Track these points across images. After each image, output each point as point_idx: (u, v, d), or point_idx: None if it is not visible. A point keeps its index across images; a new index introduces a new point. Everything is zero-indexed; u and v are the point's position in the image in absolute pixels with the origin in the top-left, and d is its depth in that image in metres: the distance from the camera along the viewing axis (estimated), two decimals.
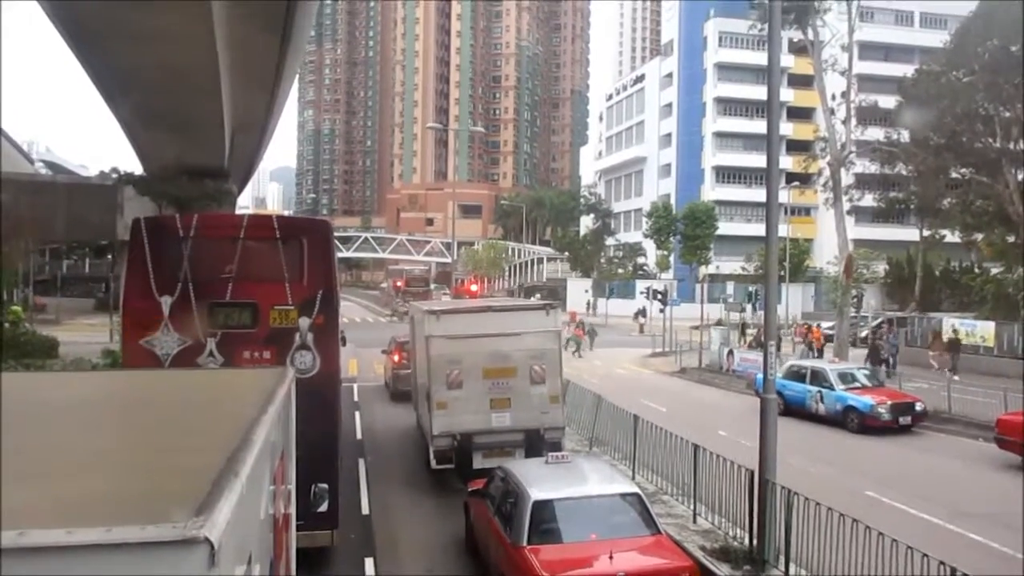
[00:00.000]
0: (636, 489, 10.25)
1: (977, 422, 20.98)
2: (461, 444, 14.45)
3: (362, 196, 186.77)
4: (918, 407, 21.76)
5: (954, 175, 39.22)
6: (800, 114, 71.06)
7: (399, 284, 71.72)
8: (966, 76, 35.54)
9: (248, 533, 3.24)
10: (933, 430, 21.79)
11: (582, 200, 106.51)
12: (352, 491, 14.42)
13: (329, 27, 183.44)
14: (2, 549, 2.09)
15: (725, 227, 73.85)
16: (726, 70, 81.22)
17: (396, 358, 25.38)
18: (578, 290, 77.91)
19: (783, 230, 46.32)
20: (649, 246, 77.34)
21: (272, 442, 4.21)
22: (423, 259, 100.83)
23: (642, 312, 59.50)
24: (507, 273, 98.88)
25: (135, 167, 50.56)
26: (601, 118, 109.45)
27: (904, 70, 45.81)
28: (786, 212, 51.63)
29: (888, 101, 42.34)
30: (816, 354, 34.45)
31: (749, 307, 44.71)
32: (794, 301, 57.18)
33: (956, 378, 27.27)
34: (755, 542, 11.06)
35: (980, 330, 33.96)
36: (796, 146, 64.06)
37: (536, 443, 14.34)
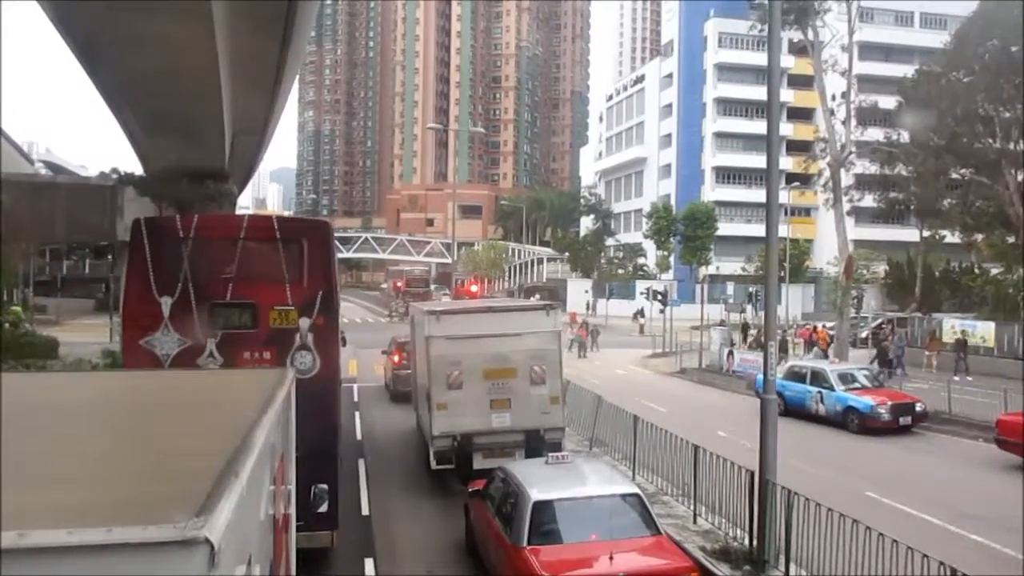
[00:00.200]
0: (636, 490, 10.24)
1: (977, 423, 20.98)
2: (461, 445, 14.44)
3: (362, 197, 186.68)
4: (918, 408, 21.76)
5: (954, 176, 39.23)
6: (800, 115, 71.11)
7: (399, 285, 71.69)
8: (966, 77, 35.57)
9: (248, 534, 3.25)
10: (933, 431, 21.79)
11: (582, 201, 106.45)
12: (352, 492, 14.42)
13: (329, 28, 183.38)
14: (3, 550, 2.09)
15: (725, 228, 73.93)
16: (726, 71, 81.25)
17: (396, 359, 25.37)
18: (578, 291, 77.90)
19: (783, 231, 46.33)
20: (649, 247, 77.38)
21: (272, 443, 4.21)
22: (423, 260, 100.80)
23: (641, 312, 59.52)
24: (507, 274, 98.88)
25: (135, 168, 50.65)
26: (601, 119, 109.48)
27: (904, 71, 45.81)
28: (786, 213, 51.60)
29: (888, 102, 42.34)
30: (825, 355, 34.31)
31: (749, 308, 44.72)
32: (794, 302, 57.18)
33: (969, 378, 27.37)
34: (755, 543, 11.06)
35: (980, 331, 33.98)
36: (796, 147, 64.13)
37: (536, 444, 14.34)
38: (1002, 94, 33.81)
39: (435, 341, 14.62)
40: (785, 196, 49.02)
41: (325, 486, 10.21)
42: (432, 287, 73.28)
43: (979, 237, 41.57)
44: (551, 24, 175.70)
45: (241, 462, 2.98)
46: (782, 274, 44.23)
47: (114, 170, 53.98)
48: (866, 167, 43.83)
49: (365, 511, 14.02)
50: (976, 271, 44.42)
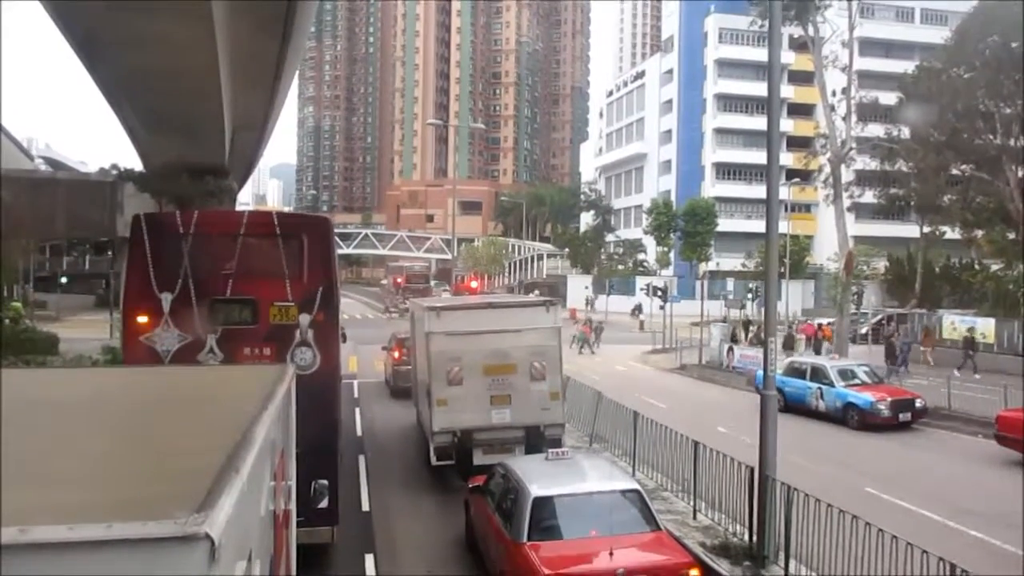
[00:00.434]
0: (636, 485, 10.25)
1: (977, 419, 20.99)
2: (461, 441, 14.46)
3: (362, 192, 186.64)
4: (918, 404, 21.78)
5: (954, 172, 39.20)
6: (800, 110, 71.05)
7: (399, 281, 71.66)
8: (967, 73, 35.53)
9: (248, 530, 3.25)
10: (933, 427, 21.79)
11: (582, 196, 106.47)
12: (352, 488, 14.44)
13: (329, 24, 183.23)
14: (4, 546, 2.09)
15: (725, 224, 73.87)
16: (726, 66, 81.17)
17: (396, 355, 25.38)
18: (578, 287, 77.85)
19: (783, 227, 46.36)
20: (649, 243, 77.36)
21: (272, 439, 4.22)
22: (423, 256, 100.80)
23: (639, 308, 59.49)
24: (507, 270, 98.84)
25: (135, 164, 50.64)
26: (601, 114, 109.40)
27: (905, 66, 45.75)
28: (786, 209, 51.55)
29: (889, 97, 42.26)
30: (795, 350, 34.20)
31: (749, 304, 44.69)
32: (794, 298, 57.12)
33: (976, 376, 27.22)
34: (755, 538, 11.08)
35: (980, 327, 33.96)
36: (796, 142, 64.03)
37: (536, 440, 14.34)
38: (1003, 90, 33.78)
39: (435, 337, 14.62)
40: (785, 192, 48.89)
41: (325, 482, 10.22)
42: (432, 283, 73.27)
43: (979, 233, 41.54)
44: (551, 20, 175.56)
45: (241, 458, 2.98)
46: (782, 270, 44.17)
47: (114, 166, 53.95)
48: (866, 163, 43.80)
49: (365, 507, 14.03)
50: (976, 267, 44.40)
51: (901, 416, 21.39)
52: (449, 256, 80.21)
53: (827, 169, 35.75)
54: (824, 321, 42.36)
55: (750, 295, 43.54)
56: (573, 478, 10.33)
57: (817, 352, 34.31)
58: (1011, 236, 37.17)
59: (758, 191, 66.28)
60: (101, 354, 24.57)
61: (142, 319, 10.07)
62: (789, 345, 35.77)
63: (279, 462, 4.76)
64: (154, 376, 6.40)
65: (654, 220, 71.70)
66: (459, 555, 11.89)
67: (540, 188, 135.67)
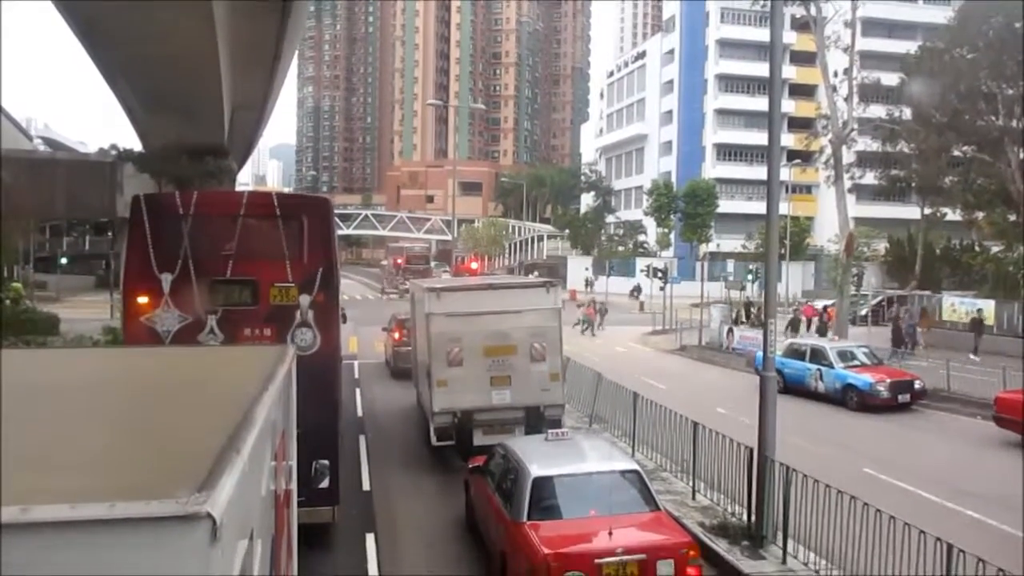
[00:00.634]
0: (635, 466, 10.29)
1: (976, 400, 21.04)
2: (461, 421, 14.50)
3: (362, 173, 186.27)
4: (917, 385, 21.83)
5: (956, 153, 39.15)
6: (802, 91, 70.72)
7: (399, 262, 71.63)
8: (969, 54, 35.40)
9: (250, 509, 3.26)
10: (932, 408, 21.86)
11: (583, 178, 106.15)
12: (353, 468, 14.50)
13: (329, 3, 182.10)
14: (5, 524, 2.10)
15: (726, 205, 73.74)
16: (728, 46, 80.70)
17: (396, 336, 25.42)
18: (578, 268, 77.80)
19: (784, 208, 46.28)
20: (650, 224, 77.24)
21: (273, 419, 4.23)
22: (423, 237, 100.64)
23: (637, 289, 59.46)
24: (507, 251, 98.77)
25: (134, 144, 50.43)
26: (602, 95, 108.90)
27: (907, 47, 45.57)
28: (787, 190, 51.52)
29: (891, 78, 42.13)
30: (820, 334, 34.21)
31: (749, 285, 44.70)
32: (794, 279, 57.13)
33: (975, 358, 27.20)
34: (754, 519, 11.13)
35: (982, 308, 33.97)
36: (798, 123, 63.64)
37: (536, 420, 14.40)
38: (1005, 71, 33.66)
39: (435, 318, 14.64)
40: (786, 173, 48.87)
41: (326, 462, 10.25)
42: (432, 264, 73.24)
43: (980, 215, 41.52)
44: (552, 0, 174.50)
45: (242, 438, 2.99)
46: (782, 252, 44.19)
47: (113, 146, 53.68)
48: (868, 144, 43.72)
49: (366, 487, 14.10)
50: (977, 249, 44.39)
51: (900, 397, 21.45)
52: (449, 237, 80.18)
53: (828, 150, 35.68)
54: (828, 303, 42.38)
55: (750, 276, 43.56)
56: (573, 458, 10.37)
57: (822, 334, 34.32)
58: (1012, 218, 37.16)
59: (759, 172, 65.99)
60: (102, 335, 24.62)
61: (142, 300, 10.07)
62: (795, 327, 35.80)
63: (280, 442, 4.78)
64: (155, 357, 6.40)
65: (655, 201, 71.57)
66: (459, 535, 11.95)
67: (540, 169, 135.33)
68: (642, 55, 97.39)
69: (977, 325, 31.52)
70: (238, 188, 60.78)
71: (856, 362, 22.88)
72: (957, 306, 35.21)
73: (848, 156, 37.72)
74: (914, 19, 70.84)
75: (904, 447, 18.07)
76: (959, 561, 7.75)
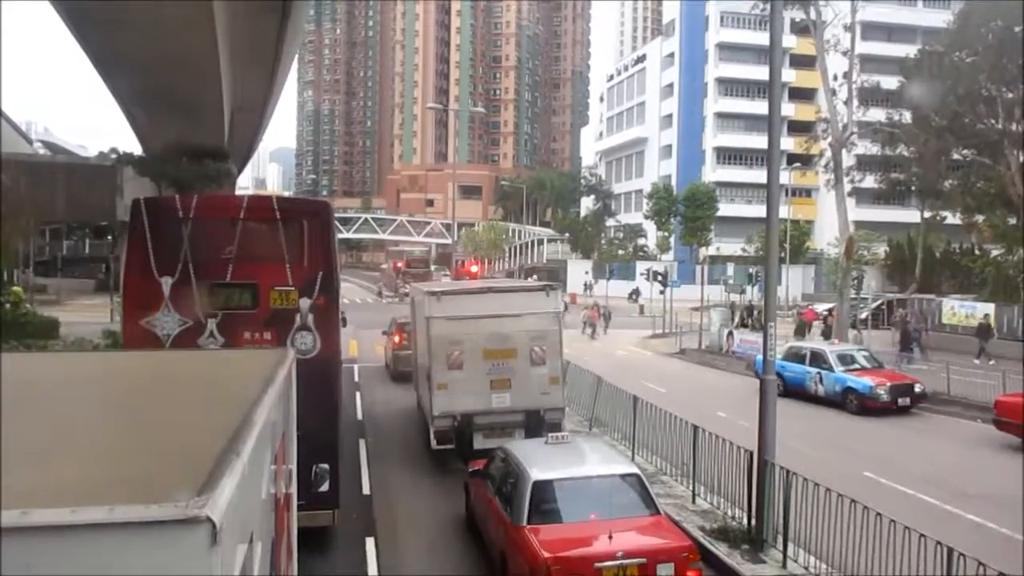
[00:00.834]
0: (635, 469, 10.29)
1: (976, 404, 21.03)
2: (461, 425, 14.50)
3: (362, 177, 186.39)
4: (917, 389, 21.83)
5: (955, 156, 39.15)
6: (802, 95, 70.77)
7: (399, 265, 71.67)
8: (969, 57, 35.41)
9: (250, 513, 3.26)
10: (932, 412, 21.84)
11: (583, 181, 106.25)
12: (353, 471, 14.48)
13: (329, 7, 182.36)
14: (5, 528, 2.10)
15: (726, 208, 73.77)
16: (728, 50, 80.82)
17: (397, 339, 25.42)
18: (578, 272, 77.81)
19: (784, 211, 46.29)
20: (650, 227, 77.27)
21: (273, 422, 4.22)
22: (423, 240, 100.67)
23: (636, 293, 59.43)
24: (507, 254, 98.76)
25: (135, 147, 50.51)
26: (602, 99, 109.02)
27: (907, 50, 45.62)
28: (787, 193, 51.52)
29: (890, 82, 42.13)
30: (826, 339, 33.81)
31: (750, 289, 44.69)
32: (794, 283, 57.17)
33: (976, 361, 26.97)
34: (754, 522, 11.12)
35: (980, 312, 33.97)
36: (797, 127, 63.77)
37: (536, 424, 14.38)
38: (1005, 74, 33.67)
39: (435, 321, 14.64)
40: (786, 177, 48.87)
41: (326, 465, 10.25)
42: (432, 268, 73.28)
43: (980, 218, 41.51)
44: (552, 3, 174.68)
45: (242, 441, 2.99)
46: (782, 255, 44.20)
47: (113, 150, 53.78)
48: (868, 147, 43.73)
49: (366, 490, 14.08)
50: (977, 252, 44.40)
51: (900, 401, 21.44)
52: (449, 241, 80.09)
53: (828, 154, 35.69)
54: (829, 306, 42.32)
55: (750, 280, 43.54)
56: (573, 462, 10.36)
57: (827, 338, 34.13)
58: (1012, 221, 37.14)
59: (759, 176, 65.75)
60: (102, 338, 24.58)
61: (142, 303, 10.07)
62: (801, 331, 35.73)
63: (280, 446, 4.78)
64: (154, 360, 6.40)
65: (655, 205, 71.60)
66: (459, 538, 11.94)
67: (540, 172, 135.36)
68: (642, 59, 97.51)
69: (984, 330, 31.33)
70: (238, 192, 60.81)
71: (856, 365, 22.87)
72: (957, 310, 35.19)
73: (848, 159, 37.75)
74: (913, 23, 70.91)
75: (904, 450, 18.05)
76: (959, 564, 7.74)
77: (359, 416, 20.07)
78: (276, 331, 10.29)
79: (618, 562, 8.50)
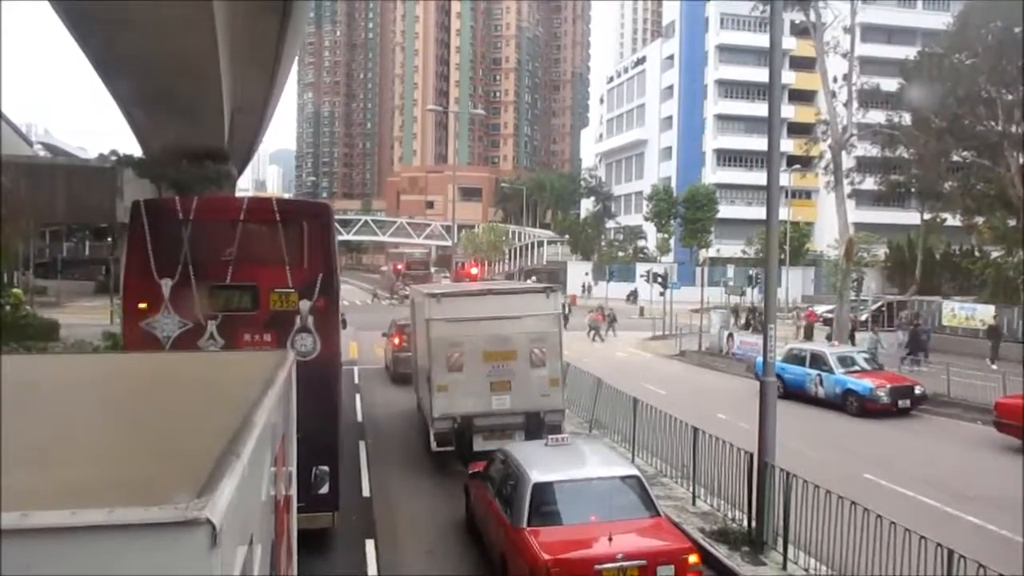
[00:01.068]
0: (635, 471, 10.29)
1: (976, 405, 21.02)
2: (461, 426, 14.50)
3: (362, 179, 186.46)
4: (917, 390, 21.81)
5: (955, 158, 39.13)
6: (801, 96, 70.79)
7: (399, 267, 71.76)
8: (968, 59, 35.42)
9: (249, 515, 3.26)
10: (932, 413, 21.83)
11: (582, 183, 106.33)
12: (353, 473, 14.48)
13: (328, 9, 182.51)
14: (5, 530, 2.10)
15: (726, 210, 73.79)
16: (727, 52, 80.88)
17: (396, 341, 25.42)
18: (578, 273, 77.84)
19: (784, 213, 46.31)
20: (650, 229, 77.30)
21: (273, 424, 4.23)
22: (423, 242, 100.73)
23: (634, 294, 59.40)
24: (507, 256, 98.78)
25: (134, 149, 50.53)
26: (602, 100, 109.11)
27: (906, 52, 45.64)
28: (787, 195, 51.54)
29: (890, 84, 42.14)
30: (851, 342, 33.57)
31: (750, 290, 44.69)
32: (794, 284, 57.16)
33: (993, 366, 26.67)
34: (754, 524, 11.12)
35: (980, 313, 33.95)
36: (797, 129, 63.86)
37: (536, 426, 14.38)
38: (1004, 76, 33.67)
39: (435, 323, 14.64)
40: (786, 179, 48.92)
41: (326, 468, 10.26)
42: (432, 269, 73.32)
43: (980, 220, 41.50)
44: (551, 5, 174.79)
45: (242, 443, 2.99)
46: (782, 257, 44.23)
47: (113, 152, 53.80)
48: (867, 149, 43.72)
49: (366, 492, 14.07)
50: (977, 254, 44.39)
51: (900, 403, 21.41)
52: (449, 243, 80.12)
53: (828, 155, 35.68)
54: (829, 308, 42.29)
55: (750, 282, 43.53)
56: (573, 464, 10.36)
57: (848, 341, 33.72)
58: (1012, 223, 37.13)
59: (759, 178, 65.90)
60: (102, 340, 24.57)
61: (142, 305, 10.07)
62: (808, 335, 35.63)
63: (280, 448, 4.78)
64: (154, 362, 6.41)
65: (655, 207, 71.63)
66: (459, 540, 11.93)
67: (540, 174, 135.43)
68: (642, 60, 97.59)
69: (994, 332, 31.17)
70: (238, 194, 60.80)
71: (856, 367, 22.86)
72: (957, 311, 35.17)
73: (848, 161, 37.74)
74: (913, 24, 70.96)
75: (904, 452, 18.04)
76: (960, 566, 7.74)
77: (359, 418, 20.06)
78: (276, 333, 10.29)
79: (618, 564, 8.50)
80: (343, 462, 11.42)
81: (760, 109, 63.56)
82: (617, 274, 69.06)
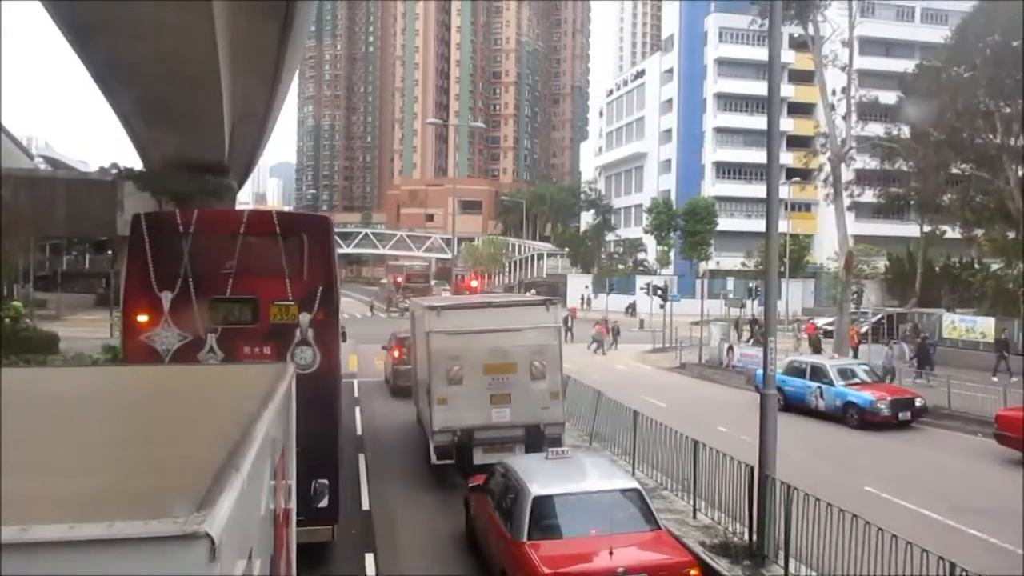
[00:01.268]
0: (636, 485, 10.26)
1: (977, 418, 20.98)
2: (461, 440, 14.46)
3: (362, 192, 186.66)
4: (918, 403, 21.78)
5: (954, 171, 39.21)
6: (800, 110, 70.99)
7: (399, 280, 71.74)
8: (967, 72, 35.53)
9: (249, 528, 3.25)
10: (933, 426, 21.80)
11: (582, 196, 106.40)
12: (352, 487, 14.44)
13: (329, 22, 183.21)
14: (5, 544, 2.09)
15: (725, 223, 73.78)
16: (726, 66, 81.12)
17: (396, 354, 25.40)
18: (578, 286, 77.85)
19: (783, 226, 46.38)
20: (649, 242, 77.30)
21: (273, 438, 4.22)
22: (423, 255, 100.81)
23: (632, 307, 59.32)
24: (507, 269, 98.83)
25: (135, 162, 50.61)
26: (601, 114, 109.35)
27: (905, 66, 45.74)
28: (786, 208, 51.61)
29: (889, 97, 42.29)
30: (855, 353, 33.43)
31: (749, 303, 44.69)
32: (794, 297, 57.18)
33: (1014, 379, 26.11)
34: (755, 537, 11.08)
35: (980, 326, 33.93)
36: (796, 142, 63.99)
37: (536, 439, 14.34)
38: (1003, 89, 33.77)
39: (435, 336, 14.63)
40: (785, 191, 48.98)
41: (326, 481, 10.23)
42: (432, 282, 73.31)
43: (979, 232, 41.53)
44: (551, 19, 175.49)
45: (242, 456, 2.99)
46: (782, 269, 44.22)
47: (114, 165, 53.88)
48: (866, 162, 43.86)
49: (365, 506, 14.04)
50: (976, 266, 44.40)
51: (901, 415, 21.39)
52: (449, 255, 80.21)
53: (827, 168, 35.79)
54: (829, 320, 42.23)
55: (750, 294, 43.56)
56: (573, 477, 10.33)
57: (855, 355, 33.48)
58: (1011, 235, 37.14)
59: (758, 190, 66.15)
60: (101, 353, 24.55)
61: (142, 318, 10.07)
62: (816, 347, 35.54)
63: (279, 461, 4.77)
64: (154, 375, 6.40)
65: (654, 219, 71.64)
66: (459, 554, 11.89)
67: (540, 187, 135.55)
68: (641, 74, 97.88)
69: (1003, 344, 31.03)
70: (238, 206, 60.88)
71: (856, 380, 22.83)
72: (957, 324, 35.14)
73: (847, 174, 37.79)
74: (911, 38, 71.18)
75: (905, 465, 18.00)
76: None
77: (359, 431, 20.03)
78: (276, 346, 10.28)
79: None
80: (343, 475, 11.40)
81: (759, 122, 63.69)
82: (617, 287, 69.06)
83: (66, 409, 4.29)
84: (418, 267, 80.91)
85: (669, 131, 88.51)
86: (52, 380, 5.71)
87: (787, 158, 53.45)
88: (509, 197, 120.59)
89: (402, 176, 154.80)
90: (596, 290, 73.66)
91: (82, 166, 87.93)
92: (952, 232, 45.13)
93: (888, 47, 72.03)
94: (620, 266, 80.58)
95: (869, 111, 39.51)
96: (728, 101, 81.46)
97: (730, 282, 52.97)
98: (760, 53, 55.95)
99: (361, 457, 17.13)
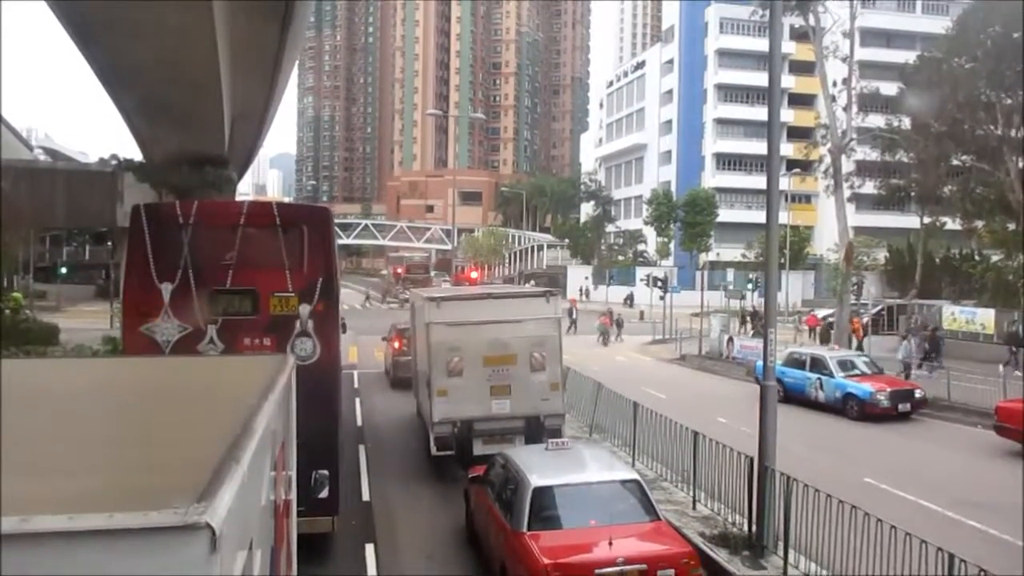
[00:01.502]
0: (636, 476, 10.28)
1: (976, 409, 21.00)
2: (461, 431, 14.48)
3: (362, 183, 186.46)
4: (917, 394, 21.81)
5: (955, 162, 39.12)
6: (801, 101, 70.81)
7: (399, 271, 71.77)
8: (968, 63, 35.41)
9: (249, 519, 3.26)
10: (932, 417, 21.83)
11: (582, 187, 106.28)
12: (352, 478, 14.47)
13: (329, 13, 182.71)
14: (5, 535, 2.09)
15: (725, 214, 73.79)
16: (727, 56, 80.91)
17: (396, 345, 25.41)
18: (578, 277, 77.82)
19: (783, 217, 46.24)
20: (649, 233, 77.29)
21: (273, 429, 4.22)
22: (423, 246, 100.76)
23: (630, 298, 59.29)
24: (507, 260, 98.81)
25: (135, 153, 50.51)
26: (601, 105, 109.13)
27: (906, 57, 45.61)
28: (787, 199, 51.51)
29: (889, 88, 42.18)
30: (860, 346, 33.18)
31: (750, 294, 44.70)
32: (794, 288, 57.15)
33: (1017, 373, 26.08)
34: (754, 528, 11.11)
35: (980, 317, 33.94)
36: (797, 133, 63.91)
37: (536, 430, 14.37)
38: (1004, 80, 33.68)
39: (435, 327, 14.64)
40: (786, 182, 48.91)
41: (326, 472, 10.25)
42: (432, 273, 73.31)
43: (980, 224, 41.49)
44: (551, 10, 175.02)
45: (242, 448, 2.98)
46: (782, 261, 44.23)
47: (113, 156, 53.77)
48: (867, 153, 43.72)
49: (366, 497, 14.07)
50: (976, 258, 44.38)
51: (900, 406, 21.42)
52: (449, 246, 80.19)
53: (827, 159, 35.72)
54: (830, 312, 42.16)
55: (750, 285, 43.55)
56: (573, 468, 10.35)
57: (861, 349, 33.52)
58: (1011, 227, 37.11)
59: (758, 181, 66.01)
60: (101, 344, 24.57)
61: (142, 309, 10.07)
62: (825, 338, 35.50)
63: (279, 452, 4.77)
64: (154, 366, 6.40)
65: (654, 210, 71.62)
66: (459, 545, 11.92)
67: (540, 178, 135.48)
68: (641, 65, 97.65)
69: (1014, 338, 30.78)
70: (238, 198, 60.80)
71: (856, 371, 22.85)
72: (957, 315, 35.14)
73: (847, 165, 37.77)
74: (912, 29, 70.99)
75: (904, 456, 18.04)
76: (960, 571, 7.73)
77: (359, 422, 20.06)
78: (276, 337, 10.28)
79: (618, 568, 8.49)
80: (343, 466, 11.42)
81: (760, 113, 63.62)
82: (617, 278, 69.11)
83: (66, 401, 4.29)
84: (418, 258, 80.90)
85: (669, 122, 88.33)
86: (52, 372, 5.71)
87: (787, 149, 53.28)
88: (509, 188, 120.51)
89: (402, 167, 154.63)
90: (596, 281, 73.63)
91: (82, 157, 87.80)
92: (952, 224, 45.05)
93: (889, 38, 71.81)
94: (620, 257, 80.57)
95: (870, 102, 39.42)
96: (728, 92, 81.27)
97: (730, 273, 52.91)
98: (761, 44, 55.80)
99: (361, 448, 17.16)
